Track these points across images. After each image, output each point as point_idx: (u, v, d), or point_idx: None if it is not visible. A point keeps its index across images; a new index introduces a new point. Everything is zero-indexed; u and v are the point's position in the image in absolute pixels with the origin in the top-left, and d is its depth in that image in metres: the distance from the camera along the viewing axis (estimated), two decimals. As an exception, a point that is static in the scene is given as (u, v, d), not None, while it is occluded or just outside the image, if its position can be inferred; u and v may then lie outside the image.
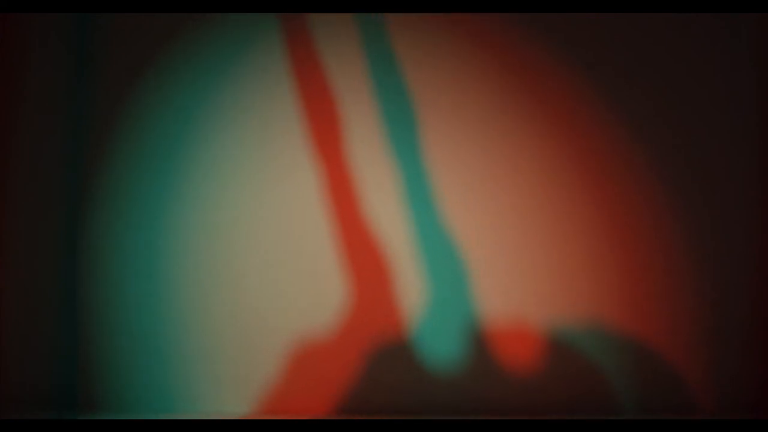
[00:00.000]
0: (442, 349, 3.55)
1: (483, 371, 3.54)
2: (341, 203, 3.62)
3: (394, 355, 3.56)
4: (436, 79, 3.63)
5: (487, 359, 3.53)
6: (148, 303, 3.64)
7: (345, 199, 3.62)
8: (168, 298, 3.64)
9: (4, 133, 3.35)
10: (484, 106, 3.62)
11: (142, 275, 3.65)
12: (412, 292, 3.57)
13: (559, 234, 3.57)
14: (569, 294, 3.55)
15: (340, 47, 3.66)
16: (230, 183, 3.65)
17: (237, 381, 3.60)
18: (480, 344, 3.54)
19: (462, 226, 3.59)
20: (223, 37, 3.70)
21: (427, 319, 3.56)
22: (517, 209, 3.58)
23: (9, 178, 3.37)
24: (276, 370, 3.58)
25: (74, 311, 3.66)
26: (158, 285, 3.65)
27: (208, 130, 3.68)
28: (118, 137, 3.70)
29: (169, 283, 3.64)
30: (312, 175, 3.63)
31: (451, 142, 3.61)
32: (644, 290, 3.54)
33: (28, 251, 3.45)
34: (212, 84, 3.68)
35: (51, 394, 3.55)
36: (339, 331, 3.58)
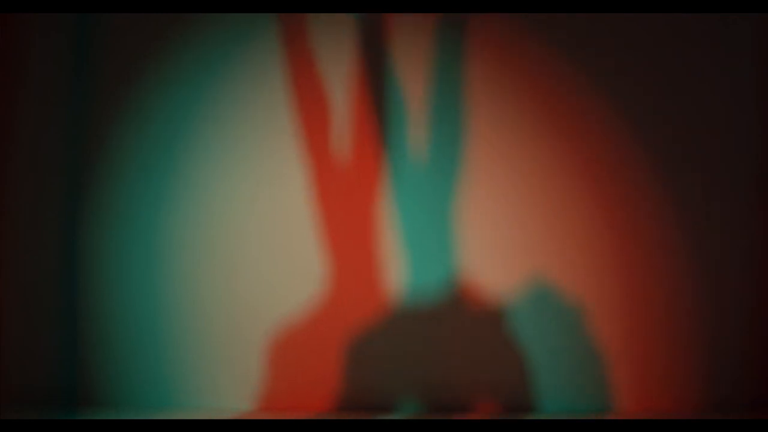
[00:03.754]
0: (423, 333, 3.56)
1: (466, 357, 3.54)
2: (330, 199, 3.62)
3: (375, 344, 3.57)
4: (438, 78, 3.63)
5: (469, 344, 3.54)
6: (147, 300, 3.65)
7: (334, 195, 3.62)
8: (166, 295, 3.64)
9: (3, 133, 3.35)
10: (487, 105, 3.62)
11: (140, 272, 3.65)
12: (396, 283, 3.58)
13: (558, 234, 3.57)
14: (566, 295, 3.55)
15: (335, 46, 3.66)
16: (229, 181, 3.66)
17: (235, 377, 3.60)
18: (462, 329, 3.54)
19: (459, 224, 3.59)
20: (223, 36, 3.69)
21: (408, 308, 3.57)
22: (517, 208, 3.58)
23: (8, 178, 3.37)
24: (273, 365, 3.58)
25: (73, 310, 3.66)
26: (156, 283, 3.65)
27: (206, 128, 3.68)
28: (118, 136, 3.70)
29: (168, 280, 3.65)
30: (305, 172, 3.63)
31: (452, 141, 3.62)
32: (644, 289, 3.54)
33: (28, 250, 3.45)
34: (211, 83, 3.68)
35: (51, 391, 3.55)
36: (324, 323, 3.59)
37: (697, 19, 3.57)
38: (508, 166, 3.60)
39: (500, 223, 3.58)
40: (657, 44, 3.59)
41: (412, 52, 3.64)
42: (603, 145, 3.58)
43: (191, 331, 3.63)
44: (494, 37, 3.62)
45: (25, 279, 3.44)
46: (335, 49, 3.65)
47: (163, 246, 3.66)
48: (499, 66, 3.62)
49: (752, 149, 3.55)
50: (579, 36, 3.60)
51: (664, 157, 3.56)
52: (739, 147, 3.55)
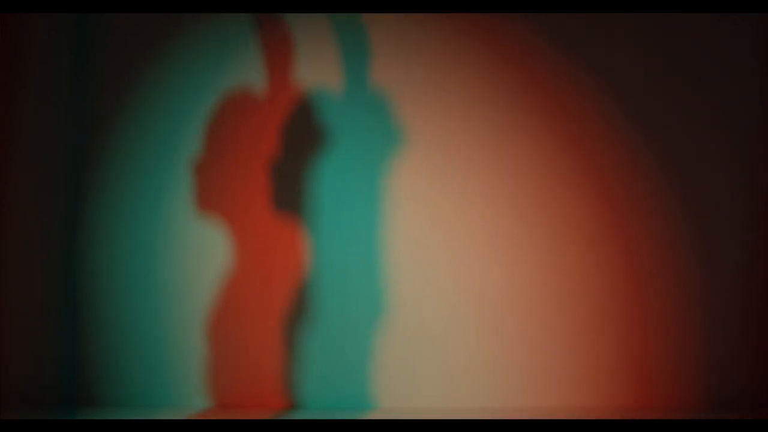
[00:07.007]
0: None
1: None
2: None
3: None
4: (441, 79, 3.64)
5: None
6: (146, 300, 3.65)
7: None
8: (166, 296, 3.64)
9: (3, 133, 3.35)
10: (489, 106, 3.62)
11: (140, 272, 3.65)
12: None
13: (560, 234, 3.57)
14: (569, 294, 3.55)
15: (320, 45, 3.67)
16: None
17: (235, 376, 3.61)
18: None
19: (456, 230, 3.60)
20: (222, 35, 3.70)
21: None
22: (518, 208, 3.59)
23: (9, 178, 3.37)
24: (272, 365, 3.59)
25: (73, 310, 3.66)
26: (156, 283, 3.65)
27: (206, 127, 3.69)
28: (118, 136, 3.70)
29: (167, 281, 3.65)
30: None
31: (447, 143, 3.62)
32: (645, 289, 3.54)
33: (28, 250, 3.45)
34: (211, 82, 3.68)
35: (51, 391, 3.55)
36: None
37: (697, 19, 3.58)
38: (511, 166, 3.60)
39: (500, 230, 3.59)
40: (657, 44, 3.59)
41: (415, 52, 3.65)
42: (603, 146, 3.58)
43: (191, 331, 3.63)
44: (495, 37, 3.62)
45: (25, 279, 3.44)
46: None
47: (163, 246, 3.66)
48: (501, 66, 3.62)
49: (752, 149, 3.55)
50: (581, 37, 3.60)
51: (664, 156, 3.57)
52: (740, 146, 3.55)
